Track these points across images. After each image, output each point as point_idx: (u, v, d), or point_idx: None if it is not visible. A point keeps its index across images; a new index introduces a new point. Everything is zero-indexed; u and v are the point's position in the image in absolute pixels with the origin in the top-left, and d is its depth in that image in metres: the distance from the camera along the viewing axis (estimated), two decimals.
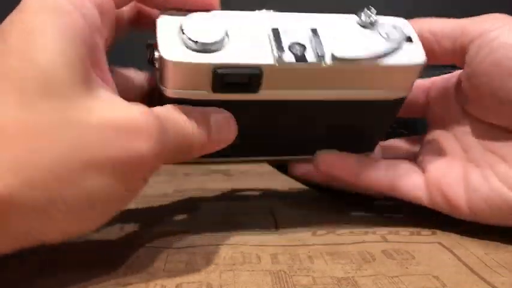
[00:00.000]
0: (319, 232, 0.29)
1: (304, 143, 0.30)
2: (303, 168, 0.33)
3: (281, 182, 0.41)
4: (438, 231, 0.29)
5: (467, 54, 0.27)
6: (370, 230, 0.29)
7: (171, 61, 0.23)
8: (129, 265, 0.24)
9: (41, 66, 0.20)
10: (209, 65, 0.23)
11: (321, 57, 0.24)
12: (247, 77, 0.24)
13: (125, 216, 0.32)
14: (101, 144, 0.20)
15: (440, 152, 0.30)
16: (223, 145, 0.26)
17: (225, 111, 0.26)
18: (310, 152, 0.31)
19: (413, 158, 0.32)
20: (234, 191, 0.39)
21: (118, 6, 0.25)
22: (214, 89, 0.24)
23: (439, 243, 0.27)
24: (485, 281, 0.23)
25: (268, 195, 0.38)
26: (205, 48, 0.23)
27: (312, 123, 0.29)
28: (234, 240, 0.27)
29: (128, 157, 0.21)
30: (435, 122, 0.32)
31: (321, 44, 0.25)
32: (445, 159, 0.30)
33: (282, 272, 0.23)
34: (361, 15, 0.26)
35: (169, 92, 0.25)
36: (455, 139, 0.30)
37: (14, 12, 0.21)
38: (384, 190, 0.30)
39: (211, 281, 0.22)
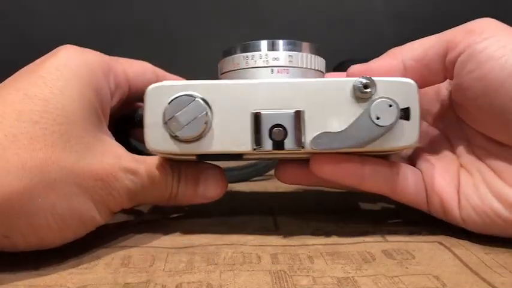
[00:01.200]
0: (319, 232, 0.29)
1: None
2: (292, 174, 0.30)
3: (281, 183, 0.41)
4: (438, 231, 0.29)
5: (454, 66, 0.26)
6: (370, 229, 0.29)
7: (156, 150, 0.25)
8: (129, 265, 0.24)
9: (64, 105, 0.24)
10: (192, 153, 0.25)
11: (300, 145, 0.25)
12: (228, 157, 0.26)
13: (125, 215, 0.32)
14: (93, 182, 0.25)
15: (436, 155, 0.30)
16: (210, 199, 0.29)
17: (217, 168, 0.29)
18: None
19: (407, 157, 0.32)
20: (233, 191, 0.39)
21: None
22: (199, 161, 0.28)
23: (440, 242, 0.27)
24: (485, 281, 0.23)
25: (268, 195, 0.38)
26: (187, 140, 0.25)
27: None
28: (234, 240, 0.27)
29: (104, 197, 0.25)
30: (428, 120, 0.31)
31: (302, 130, 0.25)
32: (440, 162, 0.29)
33: (282, 272, 0.23)
34: (355, 87, 0.25)
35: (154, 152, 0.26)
36: (448, 141, 0.30)
37: (51, 54, 0.26)
38: (386, 193, 0.28)
39: (211, 281, 0.22)
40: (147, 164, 0.27)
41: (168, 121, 0.24)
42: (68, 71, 0.25)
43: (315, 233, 0.29)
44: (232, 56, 0.28)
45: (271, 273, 0.23)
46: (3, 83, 0.25)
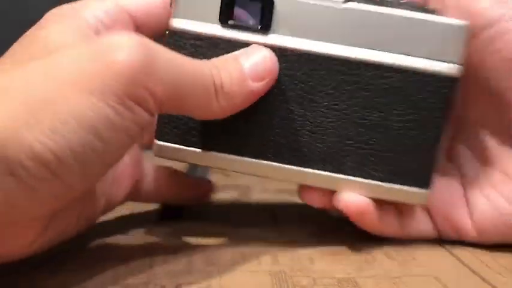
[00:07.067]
0: (320, 233, 0.29)
1: (330, 148, 0.25)
2: (318, 200, 0.26)
3: (281, 182, 0.41)
4: None
5: (474, 42, 0.23)
6: None
7: None
8: (129, 265, 0.24)
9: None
10: None
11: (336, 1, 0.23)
12: (258, 7, 0.23)
13: (125, 216, 0.32)
14: (79, 64, 0.20)
15: (439, 173, 0.27)
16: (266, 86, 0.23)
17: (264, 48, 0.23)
18: (337, 167, 0.25)
19: None
20: (233, 190, 0.39)
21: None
22: (222, 17, 0.23)
23: (440, 243, 0.27)
24: (486, 281, 0.23)
25: (269, 196, 0.38)
26: None
27: (335, 109, 0.24)
28: (234, 240, 0.27)
29: (104, 70, 0.19)
30: None
31: None
32: (444, 180, 0.27)
33: (282, 273, 0.23)
34: None
35: (175, 22, 0.24)
36: (449, 151, 0.28)
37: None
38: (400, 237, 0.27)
39: (211, 281, 0.22)
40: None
41: None
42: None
43: (316, 233, 0.29)
44: None
45: (271, 273, 0.23)
46: None
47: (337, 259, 0.25)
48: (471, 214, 0.26)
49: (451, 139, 0.28)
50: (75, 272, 0.23)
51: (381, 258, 0.25)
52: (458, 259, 0.25)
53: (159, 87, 0.20)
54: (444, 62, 0.23)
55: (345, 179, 0.25)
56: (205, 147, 0.25)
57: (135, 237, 0.28)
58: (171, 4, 0.24)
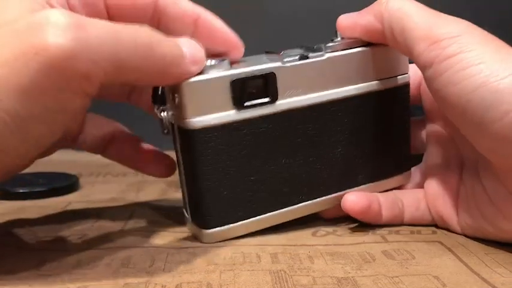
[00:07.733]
0: (320, 232, 0.29)
1: (335, 174, 0.29)
2: (333, 214, 0.30)
3: None
4: (438, 231, 0.29)
5: (424, 73, 0.25)
6: (370, 230, 0.29)
7: (189, 82, 0.24)
8: (129, 265, 0.24)
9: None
10: (227, 77, 0.25)
11: (319, 54, 0.27)
12: (263, 82, 0.26)
13: (126, 216, 0.32)
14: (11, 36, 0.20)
15: (438, 164, 0.30)
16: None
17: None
18: (345, 185, 0.30)
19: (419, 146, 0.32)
20: None
21: None
22: (236, 103, 0.25)
23: (440, 242, 0.27)
24: (485, 281, 0.23)
25: None
26: (217, 65, 0.25)
27: (336, 140, 0.28)
28: (233, 240, 0.27)
29: (31, 47, 0.19)
30: (430, 114, 0.31)
31: (316, 47, 0.27)
32: (442, 173, 0.30)
33: (282, 272, 0.23)
34: None
35: (191, 122, 0.25)
36: (455, 147, 0.30)
37: None
38: (399, 223, 0.30)
39: (211, 281, 0.22)
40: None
41: None
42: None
43: (315, 233, 0.29)
44: None
45: (271, 272, 0.23)
46: None
47: (336, 258, 0.25)
48: (457, 214, 0.28)
49: (461, 141, 0.29)
50: (76, 272, 0.23)
51: (381, 258, 0.25)
52: (458, 258, 0.25)
53: (92, 66, 0.20)
54: (399, 75, 0.30)
55: (354, 190, 0.30)
56: (251, 215, 0.27)
57: (135, 237, 0.28)
58: (178, 113, 0.25)
